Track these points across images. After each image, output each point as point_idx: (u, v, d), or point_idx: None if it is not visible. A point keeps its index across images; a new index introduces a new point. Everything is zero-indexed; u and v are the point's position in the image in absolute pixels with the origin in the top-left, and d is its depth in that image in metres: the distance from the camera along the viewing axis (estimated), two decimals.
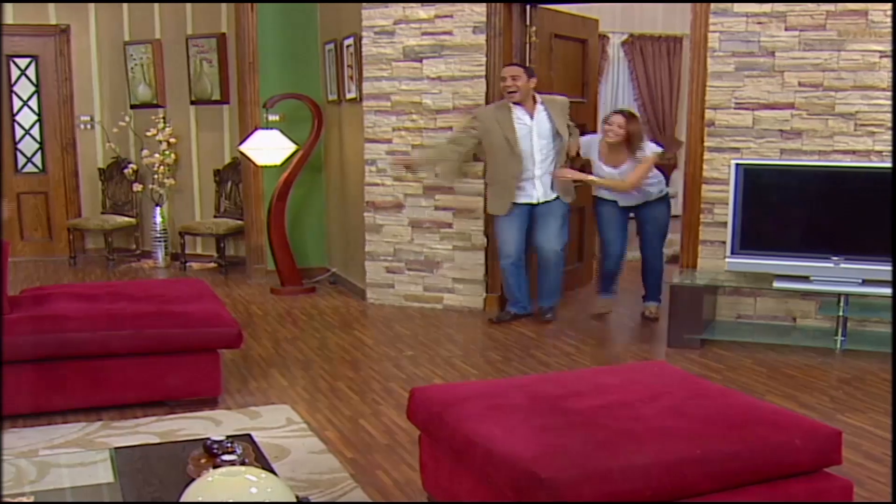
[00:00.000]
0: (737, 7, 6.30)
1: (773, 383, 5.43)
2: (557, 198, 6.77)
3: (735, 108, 6.40)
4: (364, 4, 7.27)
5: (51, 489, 3.68)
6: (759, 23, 6.27)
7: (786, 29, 6.22)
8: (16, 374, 4.59)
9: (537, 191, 6.72)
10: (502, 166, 6.69)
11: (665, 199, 7.02)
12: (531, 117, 6.63)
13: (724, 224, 6.25)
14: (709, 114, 6.47)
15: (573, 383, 3.63)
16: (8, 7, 9.48)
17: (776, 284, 6.08)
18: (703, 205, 6.55)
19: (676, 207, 7.66)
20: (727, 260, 6.19)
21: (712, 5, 6.35)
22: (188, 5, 9.27)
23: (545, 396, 3.40)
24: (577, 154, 6.91)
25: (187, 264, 9.37)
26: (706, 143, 6.50)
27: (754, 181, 6.10)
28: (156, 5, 9.48)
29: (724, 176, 6.35)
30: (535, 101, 6.66)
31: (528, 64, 7.05)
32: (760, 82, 6.32)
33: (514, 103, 6.62)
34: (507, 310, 7.01)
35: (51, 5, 9.66)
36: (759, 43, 6.29)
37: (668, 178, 7.44)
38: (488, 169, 6.91)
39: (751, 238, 6.13)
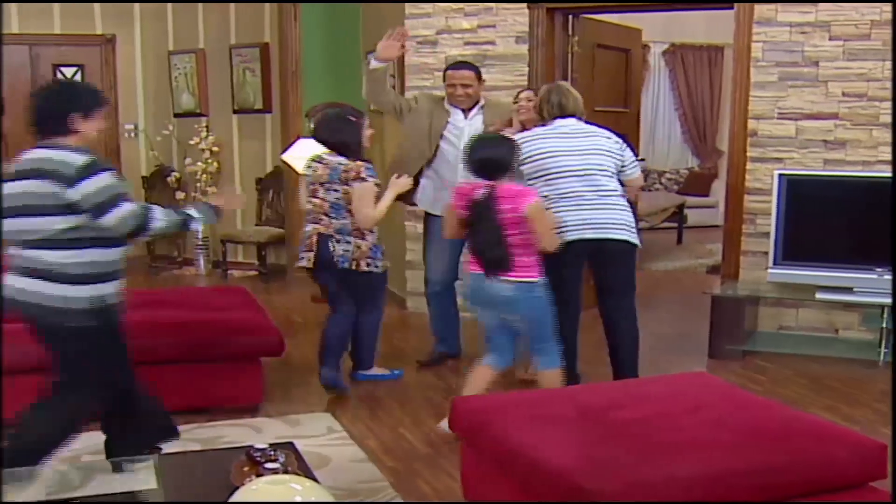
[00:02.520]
0: (780, 16, 6.26)
1: (815, 395, 5.39)
2: None
3: (778, 119, 6.35)
4: (407, 14, 7.29)
5: (94, 495, 3.72)
6: (803, 32, 6.23)
7: (830, 39, 6.17)
8: None
9: None
10: (408, 162, 5.96)
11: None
12: (465, 118, 5.76)
13: (767, 234, 6.21)
14: (752, 124, 6.42)
15: (616, 394, 3.64)
16: (55, 16, 9.60)
17: (818, 296, 6.03)
18: (745, 215, 6.50)
19: (717, 217, 7.53)
20: (769, 271, 6.15)
21: (756, 14, 6.32)
22: (232, 15, 9.34)
23: (588, 407, 3.40)
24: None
25: (228, 272, 9.41)
26: (749, 154, 6.45)
27: (797, 192, 6.06)
28: (200, 15, 9.56)
29: (766, 186, 6.29)
30: (475, 104, 5.79)
31: (571, 74, 7.02)
32: (804, 92, 6.27)
33: (453, 105, 5.79)
34: (435, 349, 6.17)
35: (97, 15, 9.77)
36: (803, 53, 6.24)
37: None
38: (396, 155, 6.28)
39: (793, 249, 6.09)
